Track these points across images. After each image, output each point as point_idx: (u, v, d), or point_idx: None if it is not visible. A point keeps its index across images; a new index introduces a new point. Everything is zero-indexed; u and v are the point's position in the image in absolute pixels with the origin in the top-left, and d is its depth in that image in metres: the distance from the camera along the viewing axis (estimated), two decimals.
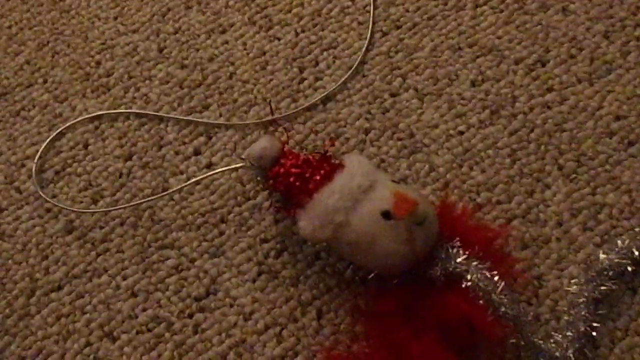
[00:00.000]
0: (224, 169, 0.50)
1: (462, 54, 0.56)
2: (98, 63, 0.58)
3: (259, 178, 0.48)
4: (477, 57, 0.56)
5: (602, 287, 0.47)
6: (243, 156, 0.49)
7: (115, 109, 0.54)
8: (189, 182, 0.50)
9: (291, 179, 0.45)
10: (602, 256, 0.48)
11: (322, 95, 0.54)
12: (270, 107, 0.51)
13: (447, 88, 0.55)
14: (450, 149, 0.53)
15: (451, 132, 0.53)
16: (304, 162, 0.45)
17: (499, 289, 0.43)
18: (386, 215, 0.42)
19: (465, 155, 0.52)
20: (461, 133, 0.53)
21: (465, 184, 0.51)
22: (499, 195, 0.51)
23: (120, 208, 0.50)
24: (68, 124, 0.54)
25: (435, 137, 0.53)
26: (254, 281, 0.48)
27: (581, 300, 0.47)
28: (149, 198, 0.51)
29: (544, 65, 0.55)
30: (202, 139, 0.54)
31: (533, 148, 0.52)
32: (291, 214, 0.45)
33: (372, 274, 0.46)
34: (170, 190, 0.51)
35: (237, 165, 0.50)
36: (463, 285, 0.43)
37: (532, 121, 0.53)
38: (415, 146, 0.53)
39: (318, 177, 0.44)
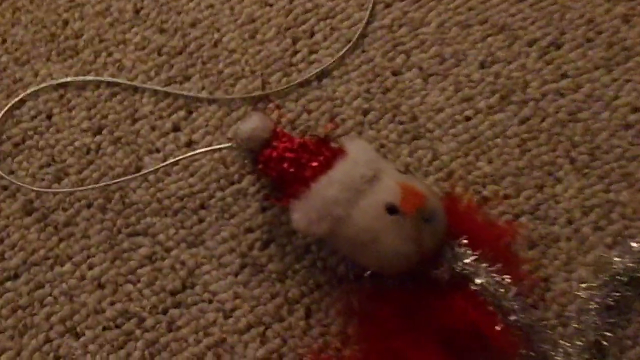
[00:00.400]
0: (206, 149, 0.46)
1: (471, 31, 0.53)
2: (65, 22, 0.53)
3: (246, 161, 0.44)
4: (488, 35, 0.53)
5: (616, 294, 0.44)
6: (229, 135, 0.45)
7: (83, 75, 0.50)
8: (166, 163, 0.46)
9: (285, 165, 0.41)
10: (615, 259, 0.45)
11: (317, 70, 0.51)
12: (263, 81, 0.45)
13: (454, 68, 0.52)
14: (455, 136, 0.50)
15: (457, 117, 0.51)
16: (300, 145, 0.41)
17: (511, 294, 0.40)
18: (391, 209, 0.39)
19: (471, 144, 0.50)
20: (468, 119, 0.50)
21: (471, 175, 0.49)
22: (507, 188, 0.48)
23: (87, 189, 0.46)
24: (29, 91, 0.50)
25: (440, 122, 0.50)
26: (236, 275, 0.45)
27: (592, 306, 0.44)
28: (121, 179, 0.46)
29: (558, 48, 0.53)
30: (181, 113, 0.50)
31: (544, 138, 0.50)
32: (283, 204, 0.41)
33: (369, 272, 0.42)
34: (145, 171, 0.46)
35: (222, 146, 0.45)
36: (471, 289, 0.40)
37: (544, 109, 0.51)
38: (418, 131, 0.50)
39: (315, 164, 0.40)
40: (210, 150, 0.46)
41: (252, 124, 0.42)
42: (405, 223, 0.39)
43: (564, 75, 0.52)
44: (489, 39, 0.53)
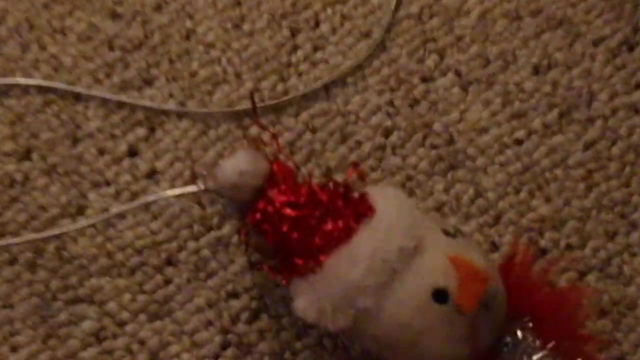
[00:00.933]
0: (176, 191, 0.37)
1: (521, 25, 0.46)
2: None
3: (229, 210, 0.35)
4: (542, 31, 0.46)
5: None
6: (204, 172, 0.38)
7: (4, 76, 0.42)
8: (120, 209, 0.37)
9: (284, 228, 0.30)
10: None
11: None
12: (252, 98, 0.35)
13: (501, 74, 0.45)
14: (503, 166, 0.43)
15: (505, 139, 0.43)
16: (308, 197, 0.31)
17: None
18: (440, 296, 0.29)
19: (524, 176, 0.43)
20: (519, 142, 0.43)
21: (524, 219, 0.42)
22: (570, 237, 0.42)
23: (12, 243, 0.36)
24: None
25: (484, 146, 0.43)
26: (216, 358, 0.38)
27: None
28: (58, 231, 0.37)
29: (631, 49, 0.46)
30: (141, 131, 0.42)
31: (615, 169, 0.43)
32: (284, 282, 0.31)
33: None
34: (93, 221, 0.37)
35: (193, 189, 0.36)
36: None
37: (614, 130, 0.44)
38: (456, 158, 0.42)
39: (330, 227, 0.30)
40: (182, 194, 0.36)
41: (239, 166, 0.31)
42: (459, 316, 0.29)
43: (639, 86, 0.45)
44: (544, 35, 0.46)
